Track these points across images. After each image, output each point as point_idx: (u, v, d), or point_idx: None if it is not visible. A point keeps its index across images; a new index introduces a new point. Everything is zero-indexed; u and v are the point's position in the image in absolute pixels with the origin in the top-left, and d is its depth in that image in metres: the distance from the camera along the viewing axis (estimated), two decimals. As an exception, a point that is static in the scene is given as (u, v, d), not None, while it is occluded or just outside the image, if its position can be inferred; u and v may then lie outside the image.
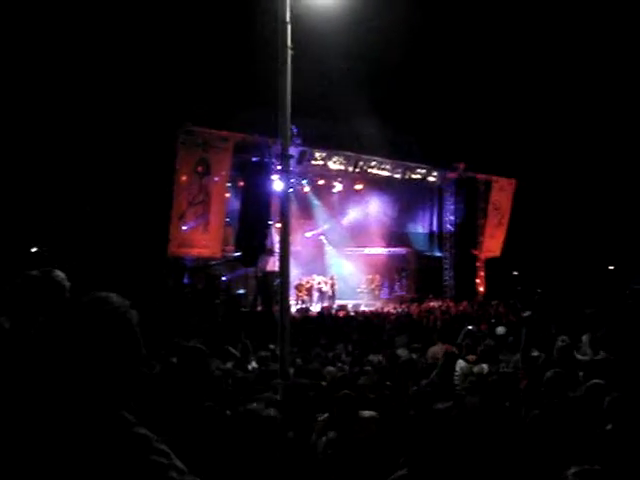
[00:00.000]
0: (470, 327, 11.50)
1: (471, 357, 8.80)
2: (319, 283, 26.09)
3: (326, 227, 27.79)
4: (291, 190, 10.14)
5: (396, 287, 28.46)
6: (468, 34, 24.26)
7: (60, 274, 2.91)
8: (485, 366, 8.04)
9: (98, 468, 1.63)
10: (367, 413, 5.32)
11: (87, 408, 1.70)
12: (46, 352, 1.83)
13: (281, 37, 8.66)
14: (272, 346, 10.30)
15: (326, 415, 5.40)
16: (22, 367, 2.43)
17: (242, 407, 3.88)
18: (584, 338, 8.60)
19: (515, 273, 30.03)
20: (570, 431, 4.48)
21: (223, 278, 21.89)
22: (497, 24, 24.49)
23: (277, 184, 21.31)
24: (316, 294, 25.76)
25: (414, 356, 9.80)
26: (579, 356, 7.78)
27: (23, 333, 2.68)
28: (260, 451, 3.06)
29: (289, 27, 8.71)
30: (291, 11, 8.70)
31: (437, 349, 9.42)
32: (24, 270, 2.92)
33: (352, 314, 20.71)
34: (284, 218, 9.07)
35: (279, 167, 12.76)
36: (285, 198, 9.18)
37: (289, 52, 8.71)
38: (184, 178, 19.21)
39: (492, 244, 28.56)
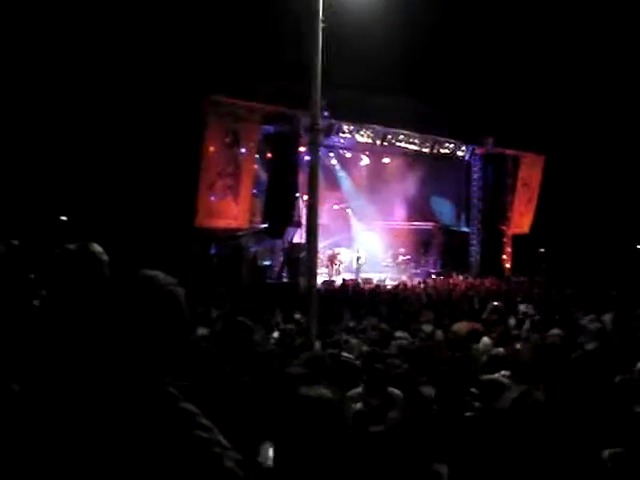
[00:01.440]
0: (496, 303, 11.49)
1: (494, 335, 8.82)
2: (345, 256, 26.14)
3: (353, 202, 27.74)
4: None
5: (421, 262, 28.39)
6: (499, 7, 23.90)
7: (98, 248, 2.87)
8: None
9: (142, 442, 1.68)
10: (396, 391, 5.40)
11: (135, 384, 1.74)
12: (94, 329, 1.89)
13: (313, 9, 8.63)
14: (298, 316, 10.38)
15: (357, 389, 5.49)
16: (59, 344, 2.47)
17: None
18: (607, 317, 8.58)
19: (542, 250, 29.85)
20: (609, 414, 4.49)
21: (250, 249, 22.01)
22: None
23: (305, 156, 21.45)
24: (342, 267, 25.81)
25: (439, 332, 9.85)
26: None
27: (59, 309, 2.68)
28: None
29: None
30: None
31: (461, 326, 9.40)
32: (59, 242, 2.91)
33: (378, 287, 20.75)
34: (312, 191, 9.11)
35: (308, 140, 12.79)
36: (313, 171, 9.22)
37: (320, 25, 8.69)
38: (212, 149, 19.27)
39: (521, 221, 28.34)
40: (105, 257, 2.89)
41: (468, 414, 4.97)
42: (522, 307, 11.46)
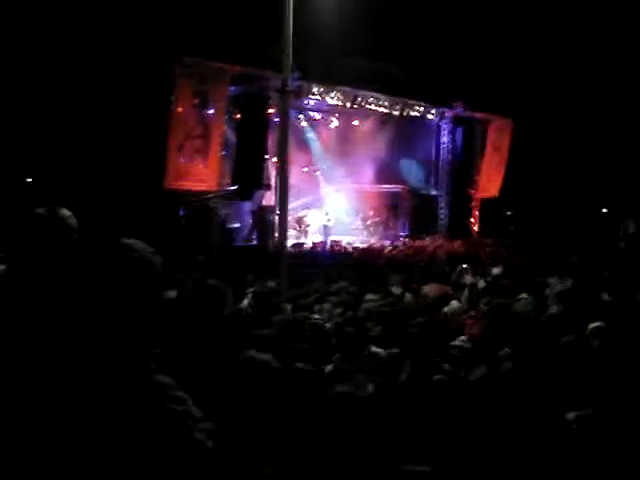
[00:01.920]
0: (464, 265, 11.60)
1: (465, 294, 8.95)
2: (312, 218, 26.13)
3: (323, 164, 27.68)
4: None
5: (390, 224, 28.50)
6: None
7: (67, 212, 2.83)
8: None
9: (114, 416, 1.67)
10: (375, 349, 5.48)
11: (110, 356, 1.73)
12: (63, 296, 1.86)
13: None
14: (271, 283, 10.37)
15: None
16: (25, 311, 2.43)
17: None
18: (568, 281, 8.72)
19: (508, 213, 30.17)
20: (570, 376, 4.58)
21: (219, 211, 21.90)
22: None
23: (275, 118, 21.28)
24: (310, 229, 25.83)
25: (408, 295, 9.95)
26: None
27: (24, 274, 2.65)
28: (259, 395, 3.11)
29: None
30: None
31: (431, 288, 9.51)
32: (27, 207, 2.82)
33: (347, 250, 20.83)
34: (282, 153, 9.06)
35: (277, 101, 12.66)
36: (283, 133, 9.17)
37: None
38: (180, 110, 19.01)
39: (490, 184, 28.51)
40: (74, 221, 2.85)
41: (437, 377, 5.05)
42: (494, 270, 11.60)
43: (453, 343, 5.80)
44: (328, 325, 6.88)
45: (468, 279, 10.35)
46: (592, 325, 5.58)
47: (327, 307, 8.61)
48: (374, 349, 5.68)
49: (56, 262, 2.58)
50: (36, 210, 2.76)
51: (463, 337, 6.02)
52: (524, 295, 7.59)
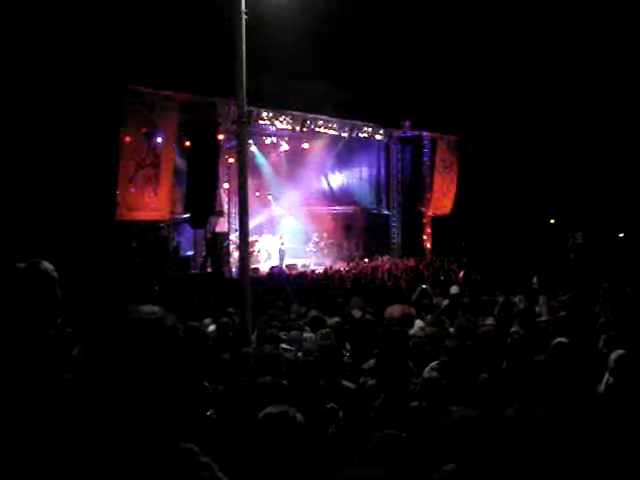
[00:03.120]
0: (424, 286, 11.69)
1: (429, 318, 8.97)
2: (263, 243, 26.13)
3: (274, 188, 27.71)
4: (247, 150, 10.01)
5: (344, 245, 28.64)
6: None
7: (49, 265, 2.70)
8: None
9: None
10: (347, 383, 5.42)
11: (137, 426, 1.67)
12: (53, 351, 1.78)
13: (236, 1, 8.52)
14: (231, 309, 10.27)
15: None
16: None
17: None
18: (541, 299, 8.83)
19: (460, 230, 30.58)
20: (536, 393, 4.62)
21: (172, 240, 21.72)
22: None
23: (226, 145, 21.24)
24: (265, 254, 25.79)
25: (368, 317, 9.95)
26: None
27: (13, 333, 2.51)
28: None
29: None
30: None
31: (394, 309, 9.53)
32: (8, 262, 2.70)
33: (304, 274, 20.79)
34: (242, 181, 9.03)
35: (233, 130, 12.61)
36: (242, 163, 9.14)
37: (243, 17, 8.58)
38: (129, 139, 18.81)
39: (443, 202, 28.91)
40: (56, 274, 2.72)
41: (414, 404, 5.04)
42: (453, 289, 11.69)
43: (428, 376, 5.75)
44: (299, 355, 6.81)
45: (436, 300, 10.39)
46: (556, 341, 5.65)
47: (293, 334, 8.55)
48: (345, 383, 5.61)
49: (40, 315, 2.52)
50: (17, 264, 2.66)
51: (433, 364, 6.00)
52: (490, 320, 7.66)
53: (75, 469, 1.69)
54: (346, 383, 5.51)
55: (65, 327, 2.67)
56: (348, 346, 7.55)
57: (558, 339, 5.61)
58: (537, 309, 8.46)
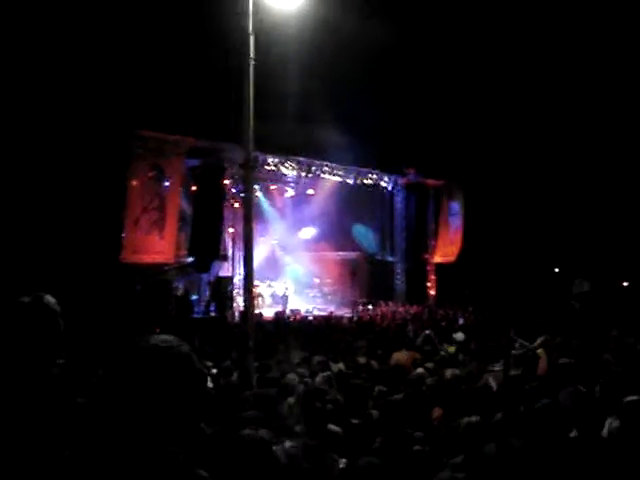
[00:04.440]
0: (428, 332, 11.65)
1: (429, 364, 8.91)
2: (272, 287, 26.13)
3: (279, 233, 27.81)
4: (255, 196, 10.07)
5: (348, 291, 28.59)
6: (420, 44, 24.54)
7: (51, 299, 2.73)
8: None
9: None
10: (334, 428, 5.36)
11: (153, 453, 1.69)
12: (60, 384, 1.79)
13: (244, 48, 8.67)
14: (234, 354, 10.23)
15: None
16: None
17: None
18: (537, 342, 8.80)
19: (463, 278, 30.49)
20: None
21: (175, 284, 21.71)
22: (445, 32, 24.86)
23: (232, 189, 21.40)
24: (269, 299, 25.76)
25: (374, 363, 9.90)
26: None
27: (17, 367, 2.53)
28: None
29: (252, 38, 8.72)
30: (257, 22, 8.71)
31: (401, 355, 9.48)
32: (11, 296, 2.73)
33: (308, 319, 20.72)
34: (247, 229, 9.06)
35: (239, 175, 12.70)
36: (248, 206, 9.19)
37: (252, 63, 8.72)
38: (136, 184, 19.00)
39: (447, 250, 28.93)
40: (59, 308, 2.75)
41: (417, 448, 5.00)
42: (458, 335, 11.65)
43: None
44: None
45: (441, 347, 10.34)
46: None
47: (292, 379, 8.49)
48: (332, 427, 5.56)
49: (43, 348, 2.53)
50: (21, 298, 2.68)
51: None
52: (497, 367, 7.62)
53: None
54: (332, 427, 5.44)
55: (67, 365, 2.68)
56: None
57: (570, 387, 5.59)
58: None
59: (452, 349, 10.00)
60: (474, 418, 4.72)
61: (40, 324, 2.61)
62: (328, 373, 8.24)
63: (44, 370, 2.53)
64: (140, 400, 1.69)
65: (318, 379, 7.53)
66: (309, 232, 27.96)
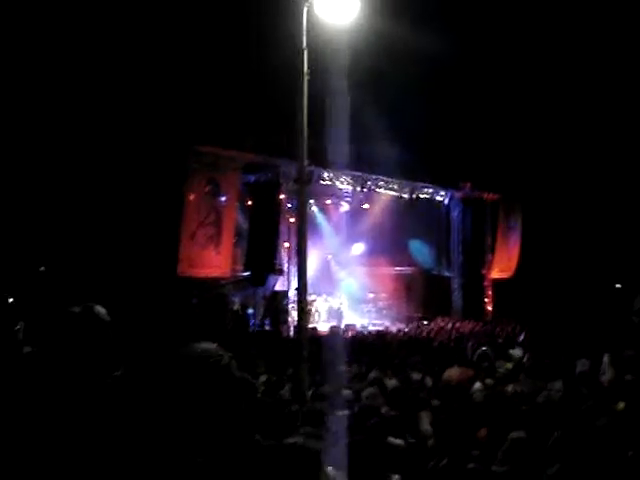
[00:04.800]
0: (484, 348, 11.42)
1: (488, 381, 8.73)
2: (328, 302, 26.10)
3: (334, 248, 27.78)
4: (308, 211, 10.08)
5: (403, 306, 28.37)
6: (474, 54, 24.36)
7: (101, 310, 2.76)
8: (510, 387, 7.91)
9: None
10: (397, 441, 5.31)
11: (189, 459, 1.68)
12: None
13: (298, 63, 8.71)
14: (290, 370, 10.20)
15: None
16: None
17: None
18: (605, 359, 8.55)
19: (523, 293, 29.95)
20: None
21: (232, 298, 21.89)
22: (501, 40, 24.60)
23: (287, 204, 21.50)
24: (324, 314, 25.73)
25: (428, 379, 9.76)
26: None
27: (68, 375, 2.55)
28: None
29: (306, 53, 8.77)
30: (311, 37, 8.76)
31: (454, 372, 9.32)
32: (64, 306, 2.76)
33: (363, 334, 20.62)
34: (301, 241, 9.06)
35: (294, 190, 12.74)
36: (302, 221, 9.20)
37: (305, 78, 8.76)
38: (192, 198, 19.28)
39: (505, 265, 28.54)
40: (108, 318, 2.78)
41: (471, 466, 4.91)
42: (515, 352, 11.42)
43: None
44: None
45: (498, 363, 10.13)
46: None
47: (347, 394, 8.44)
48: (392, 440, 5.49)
49: (93, 358, 2.55)
50: (71, 308, 2.72)
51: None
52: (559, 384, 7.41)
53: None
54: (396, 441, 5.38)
55: (123, 377, 2.70)
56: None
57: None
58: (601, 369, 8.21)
59: (509, 365, 9.78)
60: (521, 433, 4.63)
61: (90, 334, 2.63)
62: (373, 389, 8.15)
63: (96, 381, 2.54)
64: (176, 406, 1.68)
65: (366, 393, 7.48)
66: (359, 248, 27.84)
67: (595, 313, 22.42)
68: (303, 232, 8.80)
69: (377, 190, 25.21)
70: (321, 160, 21.63)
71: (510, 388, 7.62)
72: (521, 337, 16.76)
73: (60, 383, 2.52)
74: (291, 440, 2.64)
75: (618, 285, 30.29)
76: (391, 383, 9.32)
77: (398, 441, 5.38)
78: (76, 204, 19.08)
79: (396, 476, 4.89)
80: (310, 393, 8.33)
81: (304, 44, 8.76)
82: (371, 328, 23.29)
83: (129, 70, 19.10)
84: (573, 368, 7.87)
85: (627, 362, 8.29)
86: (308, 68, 8.91)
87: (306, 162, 9.23)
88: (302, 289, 8.78)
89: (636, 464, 4.38)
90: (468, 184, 27.47)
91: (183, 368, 1.74)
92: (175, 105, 19.18)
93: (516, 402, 6.39)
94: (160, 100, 19.18)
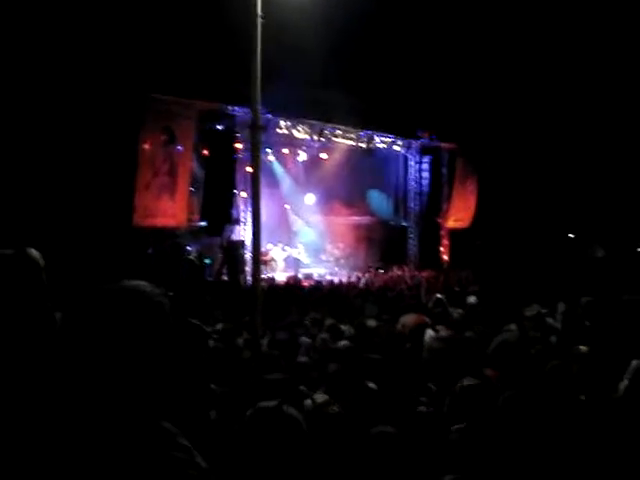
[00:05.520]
0: (439, 295, 11.55)
1: (440, 327, 8.81)
2: (285, 252, 26.11)
3: (292, 198, 27.71)
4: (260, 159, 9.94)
5: (361, 256, 28.52)
6: (436, 6, 24.13)
7: (35, 252, 2.69)
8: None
9: (118, 459, 1.59)
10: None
11: (117, 402, 1.63)
12: (67, 351, 1.73)
13: (252, 5, 8.50)
14: (247, 318, 10.21)
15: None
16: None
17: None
18: (560, 307, 8.71)
19: (478, 242, 30.34)
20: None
21: (188, 247, 21.73)
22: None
23: (241, 153, 21.30)
24: (281, 263, 25.76)
25: (383, 326, 9.83)
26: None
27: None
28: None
29: (260, -6, 8.55)
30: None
31: (409, 318, 9.38)
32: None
33: (320, 283, 20.71)
34: (255, 190, 8.96)
35: (246, 137, 12.58)
36: (255, 166, 9.07)
37: (259, 21, 8.55)
38: (148, 147, 18.95)
39: (461, 214, 28.77)
40: (43, 262, 2.71)
41: (421, 409, 4.96)
42: (471, 299, 11.58)
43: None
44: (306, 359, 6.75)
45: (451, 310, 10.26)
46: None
47: (304, 340, 8.49)
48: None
49: (25, 302, 2.49)
50: (3, 251, 2.64)
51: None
52: (513, 326, 7.54)
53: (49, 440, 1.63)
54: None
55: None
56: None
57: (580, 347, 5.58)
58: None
59: (461, 312, 9.90)
60: (472, 381, 4.66)
61: (22, 275, 2.57)
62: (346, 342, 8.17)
63: (27, 323, 2.48)
64: (105, 342, 1.62)
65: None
66: (311, 198, 27.80)
67: (549, 262, 22.85)
68: (257, 178, 8.67)
69: (334, 139, 25.04)
70: (278, 108, 21.47)
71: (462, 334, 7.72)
72: (474, 286, 16.98)
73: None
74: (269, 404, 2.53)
75: (571, 235, 30.91)
76: (347, 330, 9.40)
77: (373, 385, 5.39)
78: (30, 153, 18.60)
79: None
80: (266, 341, 8.34)
81: (257, -15, 8.53)
82: (328, 277, 23.39)
83: (81, 17, 18.48)
84: (523, 313, 8.01)
85: (584, 308, 8.45)
86: (262, 12, 8.68)
87: (259, 107, 9.06)
88: (256, 237, 8.69)
89: (589, 408, 4.46)
90: (426, 133, 27.47)
91: (109, 302, 1.66)
92: (129, 53, 18.67)
93: (467, 348, 6.45)
94: (113, 48, 18.64)
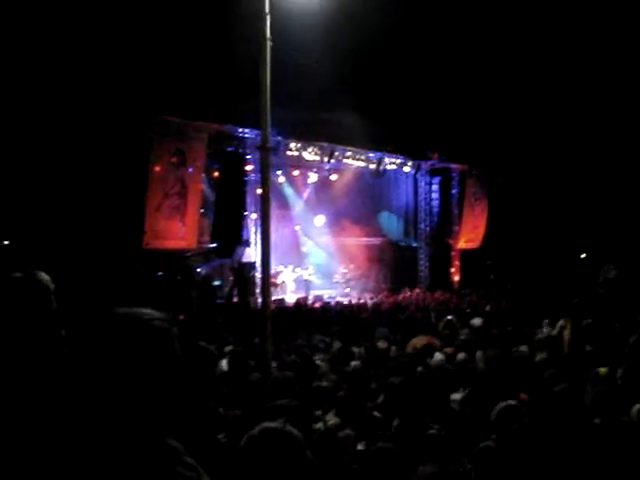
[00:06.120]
0: (450, 317, 11.52)
1: (449, 349, 8.78)
2: (287, 274, 26.04)
3: (302, 219, 27.70)
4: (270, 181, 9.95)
5: (371, 277, 28.44)
6: (444, 28, 24.21)
7: (45, 276, 2.71)
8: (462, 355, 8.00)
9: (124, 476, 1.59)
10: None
11: (125, 421, 1.63)
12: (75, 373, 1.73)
13: (260, 29, 8.56)
14: (257, 340, 10.18)
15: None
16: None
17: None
18: (560, 322, 8.67)
19: (489, 262, 30.20)
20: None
21: (198, 270, 21.75)
22: (472, 18, 24.48)
23: (252, 175, 21.38)
24: (291, 285, 25.69)
25: (393, 348, 9.80)
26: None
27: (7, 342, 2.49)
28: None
29: (268, 18, 8.62)
30: (271, 2, 8.60)
31: (418, 341, 9.39)
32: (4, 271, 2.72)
33: (330, 305, 20.67)
34: (265, 211, 8.96)
35: (256, 159, 12.63)
36: (265, 187, 9.08)
37: (268, 44, 8.61)
38: (158, 169, 19.03)
39: (472, 235, 28.71)
40: (52, 285, 2.72)
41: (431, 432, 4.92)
42: (475, 321, 11.50)
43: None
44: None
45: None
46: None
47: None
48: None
49: (34, 325, 2.49)
50: (13, 274, 2.64)
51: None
52: (524, 348, 7.51)
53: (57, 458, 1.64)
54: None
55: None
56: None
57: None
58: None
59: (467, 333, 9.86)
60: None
61: (30, 299, 2.56)
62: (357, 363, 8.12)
63: (37, 345, 2.48)
64: (110, 366, 1.62)
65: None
66: (321, 220, 27.76)
67: (560, 282, 22.69)
68: (267, 200, 8.68)
69: (345, 161, 25.11)
70: (288, 130, 21.57)
71: (461, 356, 7.71)
72: (487, 307, 16.91)
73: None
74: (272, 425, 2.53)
75: (583, 255, 30.71)
76: (358, 352, 9.36)
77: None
78: (41, 176, 18.72)
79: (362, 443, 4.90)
80: (276, 364, 8.30)
81: (267, 9, 8.60)
82: (339, 299, 23.31)
83: (92, 39, 18.67)
84: (534, 335, 7.95)
85: (585, 330, 8.41)
86: (271, 33, 8.75)
87: (270, 129, 9.10)
88: (265, 258, 8.68)
89: (603, 431, 4.41)
90: (436, 154, 27.49)
91: (113, 327, 1.67)
92: (139, 75, 18.82)
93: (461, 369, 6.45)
94: (124, 70, 18.79)
